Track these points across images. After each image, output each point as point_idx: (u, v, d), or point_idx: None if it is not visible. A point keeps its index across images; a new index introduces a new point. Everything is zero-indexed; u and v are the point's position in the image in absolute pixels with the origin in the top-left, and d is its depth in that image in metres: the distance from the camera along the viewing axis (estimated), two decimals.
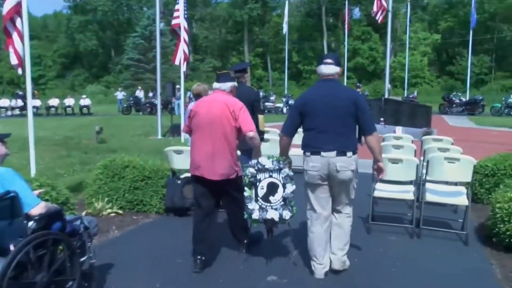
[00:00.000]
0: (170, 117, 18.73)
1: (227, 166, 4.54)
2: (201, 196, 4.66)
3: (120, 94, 35.65)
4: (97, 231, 4.10)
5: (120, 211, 6.50)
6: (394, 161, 5.70)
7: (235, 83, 4.89)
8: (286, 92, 39.41)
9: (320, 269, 4.37)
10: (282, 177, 4.48)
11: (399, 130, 14.44)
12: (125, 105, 32.55)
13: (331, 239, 4.47)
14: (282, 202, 4.49)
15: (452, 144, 7.72)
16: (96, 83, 54.48)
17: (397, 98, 28.78)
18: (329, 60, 4.36)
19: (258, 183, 4.52)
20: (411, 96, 33.90)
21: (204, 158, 4.54)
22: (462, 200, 5.59)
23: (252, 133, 4.50)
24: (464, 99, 30.28)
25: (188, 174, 6.82)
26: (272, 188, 4.52)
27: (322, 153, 4.21)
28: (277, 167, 4.50)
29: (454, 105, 29.41)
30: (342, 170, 4.21)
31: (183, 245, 5.28)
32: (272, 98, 33.08)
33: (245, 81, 6.51)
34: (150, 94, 33.80)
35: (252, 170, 4.52)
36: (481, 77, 47.66)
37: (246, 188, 4.54)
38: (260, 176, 4.52)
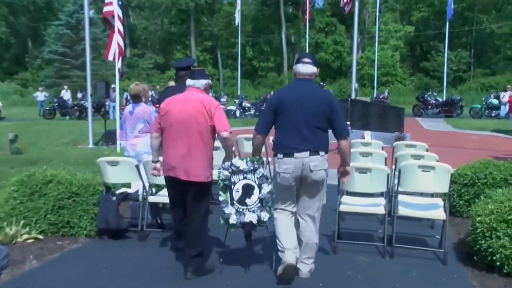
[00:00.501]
0: (104, 122, 18.41)
1: (203, 167, 5.04)
2: (177, 198, 5.19)
3: (41, 95, 34.74)
4: (7, 263, 3.94)
5: (41, 236, 6.30)
6: (362, 170, 5.79)
7: (210, 81, 5.38)
8: (239, 92, 39.56)
9: (289, 253, 4.88)
10: (257, 178, 5.01)
11: (367, 135, 14.70)
12: (47, 108, 31.78)
13: (300, 249, 5.05)
14: (259, 204, 5.01)
15: (427, 150, 7.93)
16: (9, 81, 52.42)
17: (366, 99, 29.36)
18: (307, 59, 4.99)
19: (233, 186, 5.03)
20: (381, 96, 34.63)
21: (179, 158, 5.02)
22: (439, 213, 5.74)
23: (226, 133, 5.00)
24: (440, 100, 31.12)
25: (126, 189, 6.80)
26: (247, 190, 5.03)
27: (296, 154, 4.79)
28: (251, 168, 5.02)
29: (430, 106, 30.19)
30: (315, 169, 4.81)
31: (120, 273, 5.19)
32: (224, 99, 33.23)
33: None
34: (79, 95, 33.20)
35: (226, 173, 5.02)
36: (459, 75, 49.28)
37: (220, 192, 5.02)
38: (234, 178, 5.03)
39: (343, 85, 47.00)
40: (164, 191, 6.62)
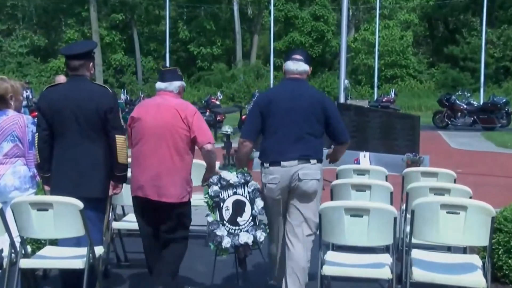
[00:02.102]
0: None
1: (178, 185, 6.26)
2: (146, 225, 6.46)
3: None
4: None
5: None
6: (356, 212, 5.79)
7: (184, 83, 6.67)
8: None
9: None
10: (249, 192, 6.46)
11: (364, 158, 14.79)
12: None
13: (286, 275, 6.28)
14: (252, 222, 6.43)
15: (455, 181, 8.02)
16: None
17: (362, 103, 29.60)
18: (298, 56, 6.47)
19: (222, 204, 6.41)
20: (385, 98, 35.00)
21: (149, 175, 6.22)
22: (476, 279, 5.77)
23: (210, 146, 6.26)
24: (476, 103, 31.43)
25: None
26: (238, 208, 6.43)
27: (282, 163, 6.18)
28: (242, 181, 6.45)
29: (459, 114, 30.49)
30: (305, 179, 6.16)
31: None
32: None
33: (90, 74, 6.47)
34: None
35: (216, 188, 6.38)
36: (505, 65, 49.90)
37: (209, 212, 6.37)
38: (223, 194, 6.44)
39: (326, 82, 47.44)
40: (46, 250, 6.49)
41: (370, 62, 46.69)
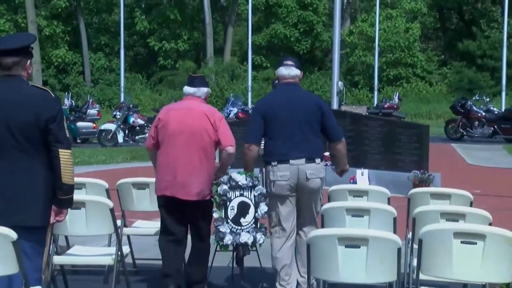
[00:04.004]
0: None
1: (204, 185, 8.13)
2: (171, 222, 8.20)
3: None
4: None
5: None
6: (352, 242, 5.79)
7: (209, 89, 8.75)
8: (122, 97, 39.20)
9: None
10: (255, 195, 8.23)
11: (362, 176, 14.82)
12: None
13: (297, 261, 8.11)
14: (254, 224, 8.21)
15: (471, 204, 8.07)
16: None
17: (359, 110, 29.63)
18: (289, 62, 8.25)
19: (228, 203, 8.22)
20: (386, 104, 35.06)
21: (178, 175, 8.01)
22: None
23: (232, 149, 8.09)
24: (496, 110, 31.53)
25: None
26: (243, 209, 8.22)
27: (291, 161, 7.83)
28: (250, 184, 8.24)
29: (477, 123, 30.59)
30: (312, 177, 7.86)
31: None
32: (93, 110, 32.68)
33: (27, 74, 6.37)
34: None
35: (225, 187, 8.16)
36: None
37: (215, 209, 8.21)
38: (231, 194, 8.22)
39: (316, 84, 47.55)
40: None
41: (369, 60, 46.84)
